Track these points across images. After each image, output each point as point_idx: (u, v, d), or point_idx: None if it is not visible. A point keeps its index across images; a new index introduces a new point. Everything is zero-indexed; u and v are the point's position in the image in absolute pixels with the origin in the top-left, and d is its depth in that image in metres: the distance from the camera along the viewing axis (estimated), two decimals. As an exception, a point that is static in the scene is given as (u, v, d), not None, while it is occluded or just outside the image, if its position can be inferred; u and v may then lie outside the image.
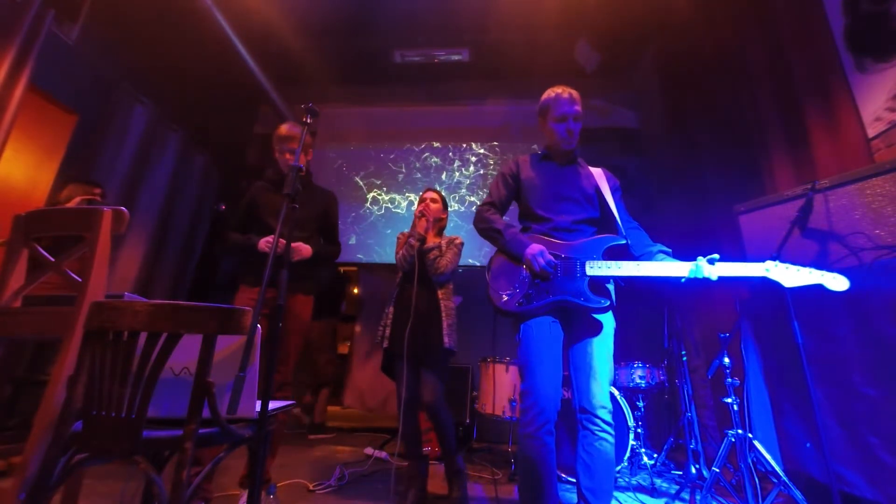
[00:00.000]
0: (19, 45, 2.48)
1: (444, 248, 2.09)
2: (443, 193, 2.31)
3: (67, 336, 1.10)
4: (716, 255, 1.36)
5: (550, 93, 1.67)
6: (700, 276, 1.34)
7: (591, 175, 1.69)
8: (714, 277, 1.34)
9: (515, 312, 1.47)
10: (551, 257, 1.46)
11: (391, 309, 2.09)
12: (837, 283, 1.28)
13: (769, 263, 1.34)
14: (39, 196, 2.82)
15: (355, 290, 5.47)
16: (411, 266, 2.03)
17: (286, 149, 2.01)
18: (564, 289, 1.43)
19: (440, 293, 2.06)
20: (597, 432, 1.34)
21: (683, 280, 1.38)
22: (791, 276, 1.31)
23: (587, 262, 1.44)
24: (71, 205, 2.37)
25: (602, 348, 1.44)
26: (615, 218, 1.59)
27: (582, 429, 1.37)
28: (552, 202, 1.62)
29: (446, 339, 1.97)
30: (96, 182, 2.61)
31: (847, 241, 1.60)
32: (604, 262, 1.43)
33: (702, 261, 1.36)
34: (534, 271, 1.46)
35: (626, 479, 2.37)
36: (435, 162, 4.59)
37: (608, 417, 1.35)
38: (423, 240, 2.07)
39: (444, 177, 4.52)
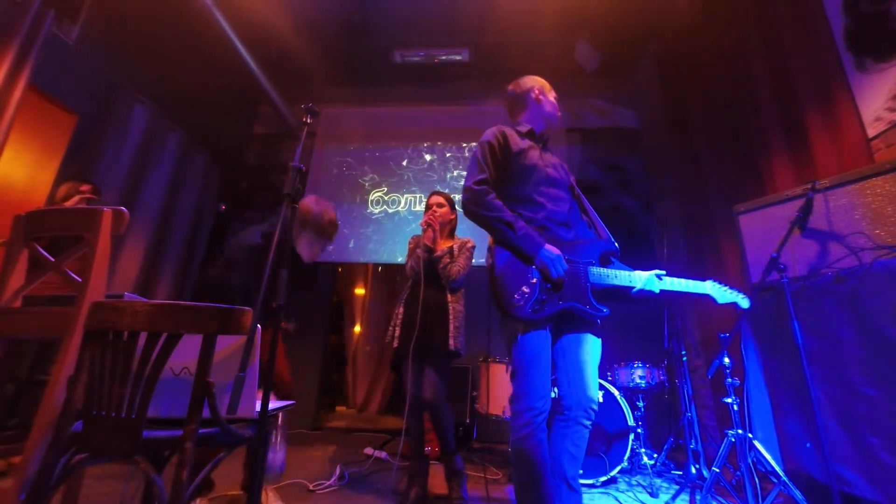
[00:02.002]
0: (19, 45, 2.48)
1: (455, 253, 2.11)
2: (448, 194, 2.32)
3: (67, 336, 1.10)
4: (662, 272, 1.47)
5: (541, 79, 1.72)
6: (649, 289, 1.44)
7: (562, 164, 1.67)
8: (655, 290, 1.45)
9: (530, 319, 1.35)
10: (566, 263, 1.39)
11: (400, 310, 2.12)
12: (744, 301, 1.55)
13: (709, 283, 1.53)
14: (39, 196, 2.82)
15: (360, 291, 5.49)
16: (418, 276, 2.05)
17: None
18: (571, 295, 1.39)
19: (450, 296, 2.09)
20: (588, 425, 1.38)
21: (635, 291, 1.46)
22: (721, 293, 1.53)
23: (590, 269, 1.43)
24: (69, 204, 2.37)
25: (595, 348, 1.46)
26: (592, 215, 1.60)
27: (574, 423, 1.37)
28: (544, 186, 1.52)
29: (451, 342, 1.99)
30: (87, 179, 2.61)
31: (847, 241, 1.60)
32: (604, 270, 1.44)
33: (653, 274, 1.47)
34: (548, 277, 1.37)
35: (626, 479, 2.37)
36: (435, 162, 4.59)
37: (596, 408, 1.40)
38: (431, 250, 2.08)
39: (444, 177, 4.52)
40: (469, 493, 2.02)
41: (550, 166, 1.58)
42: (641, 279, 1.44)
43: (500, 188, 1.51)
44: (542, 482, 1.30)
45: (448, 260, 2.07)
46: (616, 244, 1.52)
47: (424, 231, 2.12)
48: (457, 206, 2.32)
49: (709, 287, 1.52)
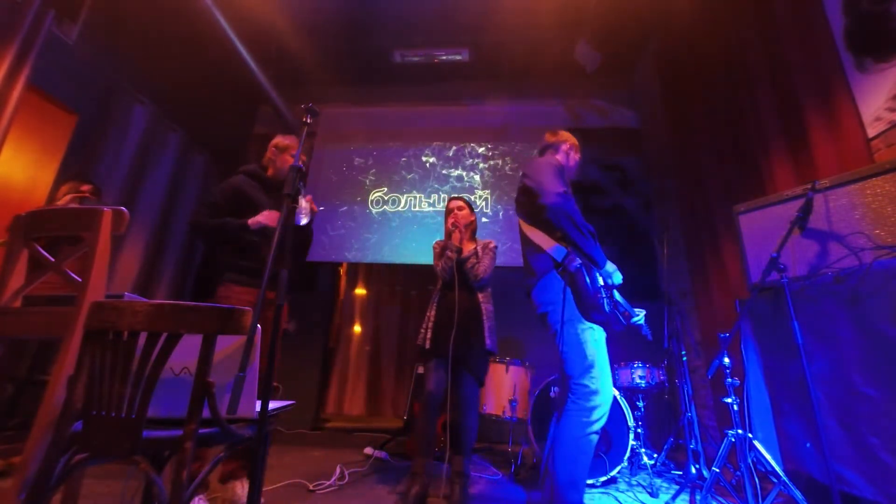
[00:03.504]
0: (19, 45, 2.49)
1: (480, 254, 2.18)
2: (465, 197, 2.43)
3: (67, 336, 1.10)
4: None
5: (574, 139, 1.99)
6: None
7: None
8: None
9: (608, 317, 1.58)
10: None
11: (432, 313, 2.18)
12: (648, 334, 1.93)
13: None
14: (39, 196, 2.83)
15: (360, 291, 5.48)
16: (451, 276, 2.12)
17: (291, 154, 2.02)
18: (614, 305, 1.66)
19: (481, 296, 2.16)
20: None
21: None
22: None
23: (614, 290, 1.69)
24: (60, 203, 2.35)
25: None
26: None
27: None
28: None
29: (488, 341, 2.06)
30: (87, 179, 2.61)
31: (847, 241, 1.60)
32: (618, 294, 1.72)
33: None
34: (609, 285, 1.62)
35: (626, 479, 2.37)
36: (435, 162, 4.59)
37: None
38: (459, 250, 2.15)
39: (445, 176, 4.52)
40: (469, 494, 2.02)
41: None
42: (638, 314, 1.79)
43: None
44: (586, 478, 1.52)
45: (475, 260, 2.15)
46: None
47: (452, 232, 2.19)
48: (475, 209, 2.45)
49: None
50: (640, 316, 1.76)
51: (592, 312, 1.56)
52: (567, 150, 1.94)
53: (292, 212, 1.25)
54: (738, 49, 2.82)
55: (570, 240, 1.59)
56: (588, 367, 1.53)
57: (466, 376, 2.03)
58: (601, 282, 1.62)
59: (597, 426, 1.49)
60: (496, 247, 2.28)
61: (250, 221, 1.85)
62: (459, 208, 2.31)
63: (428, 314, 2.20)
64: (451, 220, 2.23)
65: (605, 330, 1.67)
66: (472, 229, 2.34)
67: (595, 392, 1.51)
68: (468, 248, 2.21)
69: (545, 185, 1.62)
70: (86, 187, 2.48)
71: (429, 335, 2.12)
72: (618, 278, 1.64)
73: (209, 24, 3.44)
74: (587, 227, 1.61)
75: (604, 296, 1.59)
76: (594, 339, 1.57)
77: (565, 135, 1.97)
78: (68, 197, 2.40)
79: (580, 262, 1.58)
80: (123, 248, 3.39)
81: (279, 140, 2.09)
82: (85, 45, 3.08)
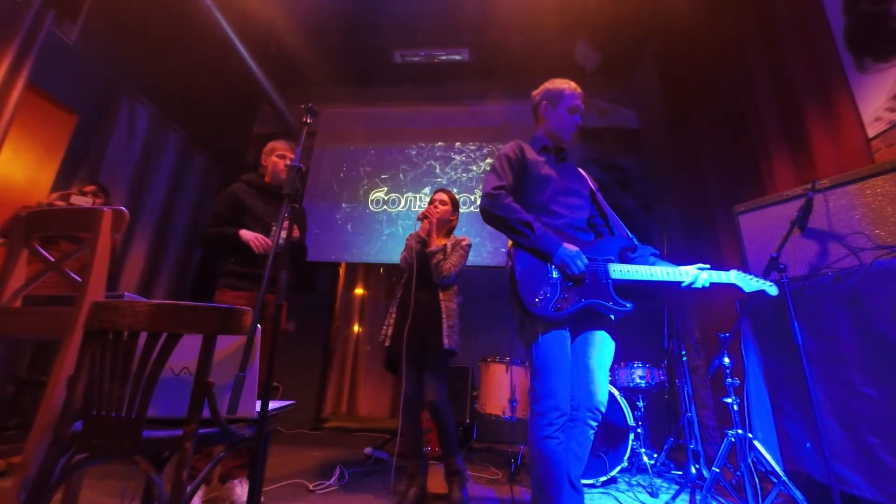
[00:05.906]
0: (19, 45, 2.49)
1: (448, 251, 2.08)
2: (453, 194, 2.31)
3: (67, 336, 1.10)
4: (707, 266, 1.46)
5: (562, 83, 1.65)
6: (697, 286, 1.43)
7: (581, 174, 1.70)
8: (706, 285, 1.44)
9: (552, 319, 1.36)
10: (586, 260, 1.41)
11: (394, 309, 2.11)
12: (772, 289, 1.50)
13: (733, 272, 1.49)
14: (39, 196, 2.82)
15: (360, 291, 5.48)
16: (411, 267, 2.05)
17: (284, 156, 2.11)
18: (593, 292, 1.39)
19: (442, 294, 2.06)
20: (593, 426, 1.41)
21: (684, 286, 1.43)
22: (747, 282, 1.50)
23: (610, 266, 1.43)
24: (46, 203, 2.31)
25: (608, 348, 1.48)
26: (611, 219, 1.63)
27: (581, 424, 1.40)
28: (562, 196, 1.57)
29: (446, 341, 1.97)
30: (93, 181, 2.61)
31: (847, 241, 1.60)
32: (625, 265, 1.44)
33: (694, 270, 1.45)
34: (569, 274, 1.38)
35: (626, 479, 2.37)
36: (435, 162, 4.59)
37: (603, 410, 1.42)
38: (425, 242, 2.07)
39: (445, 177, 4.52)
40: (469, 494, 2.02)
41: (569, 177, 1.62)
42: (687, 274, 1.42)
43: (519, 198, 1.52)
44: (560, 483, 1.31)
45: (441, 257, 2.04)
46: (633, 239, 1.54)
47: (420, 222, 2.11)
48: (459, 209, 2.33)
49: (734, 277, 1.49)
50: (693, 277, 1.42)
51: (529, 319, 1.39)
52: (544, 109, 1.66)
53: (292, 212, 1.25)
54: (738, 49, 2.82)
55: (513, 239, 1.47)
56: (534, 371, 1.39)
57: (429, 378, 1.96)
58: (555, 274, 1.40)
59: (546, 431, 1.31)
60: (469, 244, 2.16)
61: (241, 233, 1.92)
62: (442, 202, 2.20)
63: (390, 310, 2.11)
64: (424, 210, 2.14)
65: (587, 325, 1.46)
66: (449, 227, 2.24)
67: (538, 396, 1.35)
68: (439, 244, 2.10)
69: (483, 187, 1.52)
70: (89, 188, 2.48)
71: (389, 332, 2.05)
72: (580, 262, 1.38)
73: (209, 24, 3.44)
74: (522, 220, 1.41)
75: (556, 292, 1.37)
76: (540, 340, 1.38)
77: (541, 90, 1.68)
78: (55, 195, 2.37)
79: (513, 263, 1.42)
80: (129, 248, 3.39)
81: (267, 145, 2.19)
82: (85, 45, 3.08)
